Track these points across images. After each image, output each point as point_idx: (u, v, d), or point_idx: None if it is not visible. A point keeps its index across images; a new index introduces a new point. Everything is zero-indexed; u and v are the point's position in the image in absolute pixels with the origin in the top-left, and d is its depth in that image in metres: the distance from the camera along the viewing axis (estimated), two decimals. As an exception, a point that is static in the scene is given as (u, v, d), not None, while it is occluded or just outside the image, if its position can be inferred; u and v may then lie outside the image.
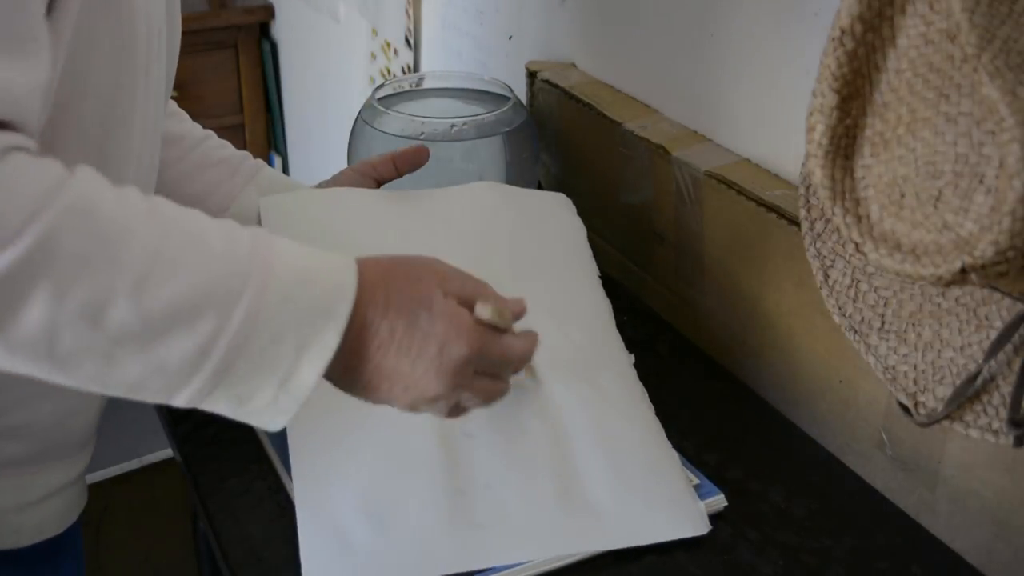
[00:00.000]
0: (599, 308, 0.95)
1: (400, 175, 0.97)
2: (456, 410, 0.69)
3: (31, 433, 0.78)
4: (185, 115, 0.98)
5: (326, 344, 0.59)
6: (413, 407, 0.66)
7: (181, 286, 0.55)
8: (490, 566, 0.74)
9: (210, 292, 0.56)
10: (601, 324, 0.94)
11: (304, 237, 0.94)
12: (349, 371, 0.63)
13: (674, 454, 0.84)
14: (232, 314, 0.56)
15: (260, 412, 0.61)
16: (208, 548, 0.94)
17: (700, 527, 0.78)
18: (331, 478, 0.78)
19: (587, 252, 0.99)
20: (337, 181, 0.96)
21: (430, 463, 0.79)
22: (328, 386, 0.83)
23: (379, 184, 0.98)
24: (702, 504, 0.80)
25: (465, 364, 0.65)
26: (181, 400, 0.59)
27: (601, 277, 0.98)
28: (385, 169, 0.97)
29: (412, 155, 0.96)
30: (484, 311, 0.66)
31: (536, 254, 0.96)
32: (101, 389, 0.58)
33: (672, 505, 0.79)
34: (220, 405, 0.60)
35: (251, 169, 0.96)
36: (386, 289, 0.63)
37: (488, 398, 0.69)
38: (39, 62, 0.57)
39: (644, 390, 0.89)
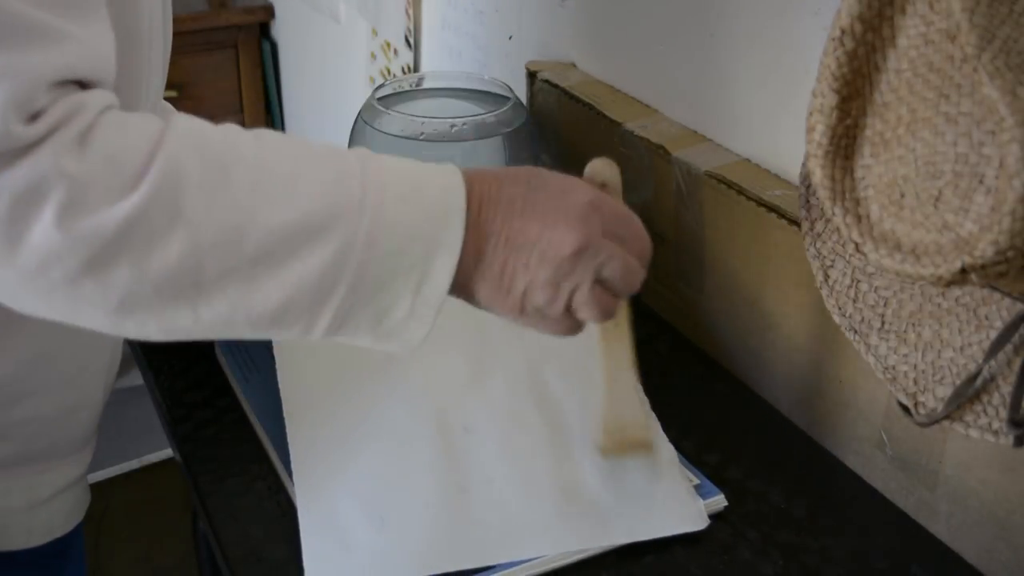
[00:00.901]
0: None
1: None
2: (600, 288, 0.63)
3: (37, 429, 0.78)
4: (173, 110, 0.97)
5: (452, 235, 0.59)
6: (556, 280, 0.61)
7: (305, 199, 0.56)
8: (491, 564, 0.74)
9: (333, 202, 0.56)
10: None
11: None
12: (480, 255, 0.61)
13: (670, 448, 0.84)
14: (359, 221, 0.56)
15: (400, 327, 0.60)
16: (208, 548, 0.94)
17: (698, 523, 0.78)
18: (332, 477, 0.78)
19: None
20: None
21: (430, 460, 0.79)
22: (328, 386, 0.83)
23: None
24: (700, 500, 0.80)
25: (590, 208, 0.62)
26: (322, 325, 0.58)
27: (601, 277, 0.98)
28: None
29: None
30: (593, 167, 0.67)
31: None
32: (245, 322, 0.57)
33: (670, 501, 0.79)
34: (361, 328, 0.59)
35: None
36: (491, 175, 0.63)
37: (625, 266, 0.64)
38: (109, 31, 0.57)
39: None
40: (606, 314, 0.65)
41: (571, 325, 0.65)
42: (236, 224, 0.54)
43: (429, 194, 0.59)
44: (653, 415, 0.85)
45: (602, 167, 0.69)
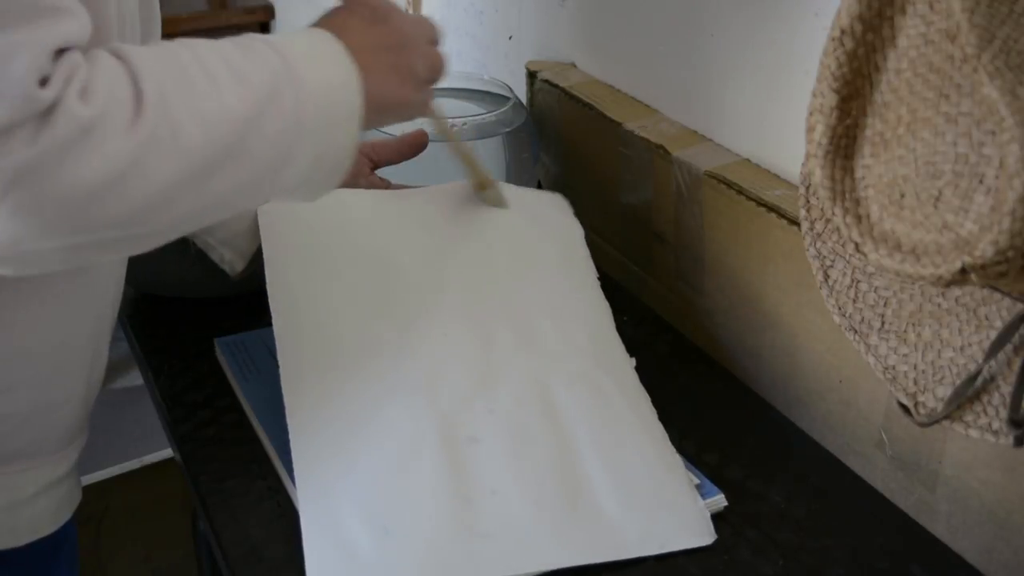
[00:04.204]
0: (599, 311, 0.95)
1: (402, 160, 1.03)
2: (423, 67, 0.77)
3: (12, 427, 0.78)
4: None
5: (350, 71, 0.70)
6: (420, 51, 0.76)
7: (250, 80, 0.65)
8: None
9: (270, 75, 0.66)
10: (601, 327, 0.94)
11: (302, 242, 0.94)
12: (367, 71, 0.72)
13: (679, 461, 0.83)
14: (298, 85, 0.67)
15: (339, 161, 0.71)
16: (208, 548, 0.94)
17: (705, 537, 0.78)
18: (335, 485, 0.77)
19: (585, 254, 0.99)
20: None
21: (434, 469, 0.78)
22: (333, 394, 0.83)
23: (375, 166, 1.02)
24: (708, 513, 0.79)
25: (397, 13, 0.77)
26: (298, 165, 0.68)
27: (601, 277, 0.98)
28: (385, 152, 1.03)
29: (414, 140, 1.04)
30: None
31: (534, 255, 0.96)
32: (270, 172, 0.66)
33: (678, 515, 0.79)
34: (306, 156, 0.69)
35: None
36: (326, 20, 0.75)
37: (432, 30, 0.79)
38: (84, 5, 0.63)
39: (647, 395, 0.89)
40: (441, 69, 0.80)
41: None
42: (214, 104, 0.63)
43: (321, 48, 0.70)
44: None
45: None
